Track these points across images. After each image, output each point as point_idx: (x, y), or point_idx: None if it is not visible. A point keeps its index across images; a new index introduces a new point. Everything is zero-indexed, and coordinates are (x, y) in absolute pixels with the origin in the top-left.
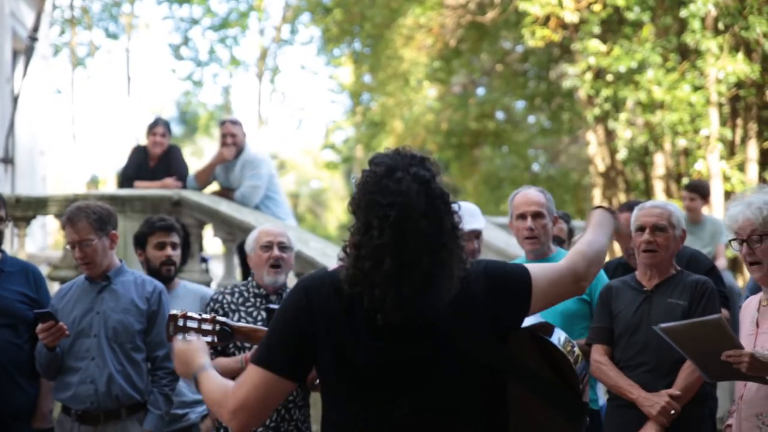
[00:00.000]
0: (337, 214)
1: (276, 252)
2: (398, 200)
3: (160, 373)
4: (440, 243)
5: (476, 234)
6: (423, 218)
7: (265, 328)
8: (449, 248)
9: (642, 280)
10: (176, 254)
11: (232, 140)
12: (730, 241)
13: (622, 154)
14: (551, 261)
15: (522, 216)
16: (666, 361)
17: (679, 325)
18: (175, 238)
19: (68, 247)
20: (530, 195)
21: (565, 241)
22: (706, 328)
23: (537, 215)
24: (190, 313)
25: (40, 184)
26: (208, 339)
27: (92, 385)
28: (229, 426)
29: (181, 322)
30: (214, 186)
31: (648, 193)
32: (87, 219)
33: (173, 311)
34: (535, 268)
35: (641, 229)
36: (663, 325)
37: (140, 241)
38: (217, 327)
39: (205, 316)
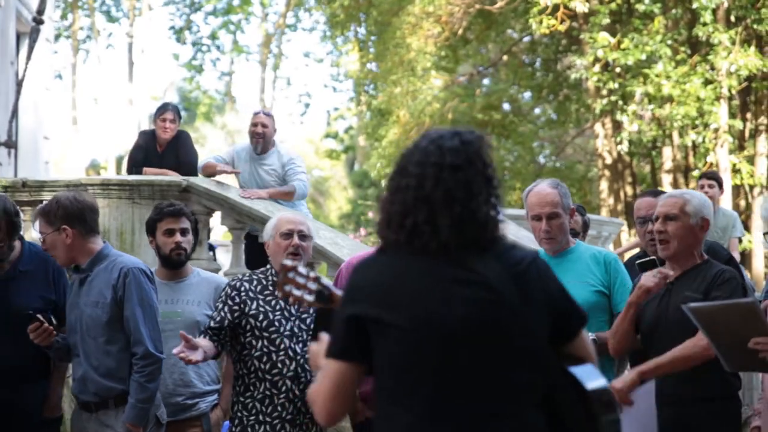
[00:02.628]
0: (340, 203)
1: (296, 240)
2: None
3: (133, 360)
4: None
5: None
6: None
7: None
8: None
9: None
10: (186, 240)
11: (263, 130)
12: (764, 234)
13: (624, 147)
14: (570, 254)
15: (537, 217)
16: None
17: (708, 306)
18: (185, 224)
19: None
20: (544, 195)
21: (580, 233)
22: (737, 311)
23: (552, 216)
24: (300, 268)
25: (43, 169)
26: (309, 297)
27: (75, 382)
28: (318, 420)
29: (291, 275)
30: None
31: (655, 186)
32: (41, 213)
33: (287, 261)
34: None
35: (656, 219)
36: (692, 305)
37: (150, 228)
38: (317, 287)
39: (312, 273)
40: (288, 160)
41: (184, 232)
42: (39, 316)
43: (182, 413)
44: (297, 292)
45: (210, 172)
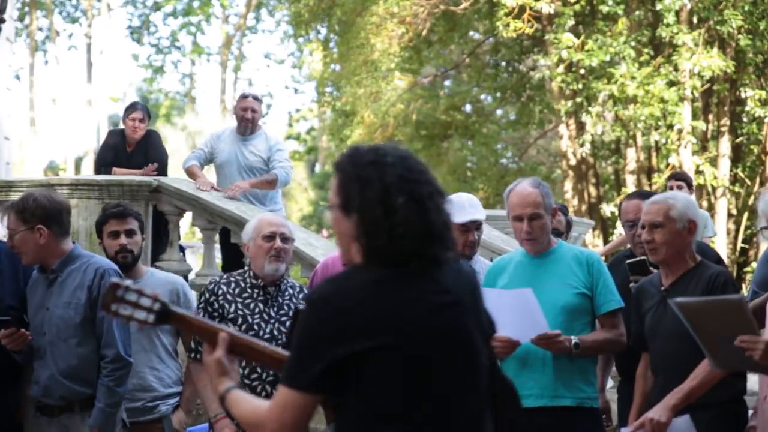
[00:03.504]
0: (301, 204)
1: (278, 243)
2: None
3: (101, 364)
4: None
5: (477, 225)
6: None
7: (221, 326)
8: None
9: (662, 278)
10: (133, 241)
11: (252, 115)
12: (761, 229)
13: (586, 148)
14: (552, 255)
15: (518, 218)
16: (681, 371)
17: (696, 302)
18: (131, 224)
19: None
20: (525, 195)
21: (563, 233)
22: (725, 308)
23: (533, 217)
24: (133, 286)
25: (5, 170)
26: (142, 316)
27: (37, 385)
28: None
29: (120, 293)
30: None
31: (619, 187)
32: (14, 209)
33: (115, 280)
34: None
35: (642, 227)
36: (679, 300)
37: (98, 230)
38: (156, 306)
39: (148, 291)
40: (275, 144)
41: (129, 233)
42: (9, 319)
43: (142, 415)
44: (126, 312)
45: (192, 177)
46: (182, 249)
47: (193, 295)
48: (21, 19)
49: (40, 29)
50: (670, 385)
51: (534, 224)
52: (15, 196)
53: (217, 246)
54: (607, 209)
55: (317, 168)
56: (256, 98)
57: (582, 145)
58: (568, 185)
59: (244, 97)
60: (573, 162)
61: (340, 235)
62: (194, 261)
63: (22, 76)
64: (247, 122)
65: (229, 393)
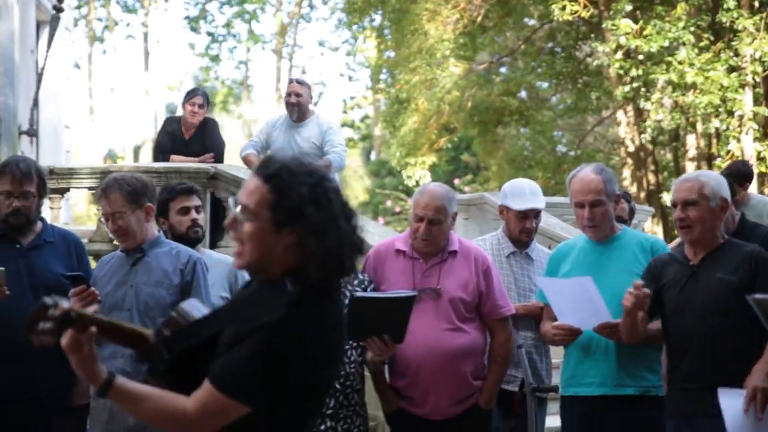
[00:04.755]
0: (356, 192)
1: None
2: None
3: None
4: None
5: (535, 213)
6: None
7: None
8: None
9: (689, 254)
10: (201, 217)
11: (296, 99)
12: None
13: (646, 136)
14: (616, 242)
15: (580, 204)
16: (713, 348)
17: None
18: (197, 201)
19: (102, 219)
20: (587, 181)
21: (627, 220)
22: None
23: (595, 203)
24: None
25: (65, 158)
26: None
27: (122, 360)
28: None
29: (51, 312)
30: None
31: (678, 174)
32: (120, 191)
33: (47, 299)
34: None
35: (674, 205)
36: (757, 296)
37: (162, 210)
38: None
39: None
40: (327, 128)
41: (198, 210)
42: (81, 275)
43: None
44: (47, 326)
45: (249, 166)
46: None
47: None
48: (79, 8)
49: (99, 19)
50: (701, 362)
51: (595, 211)
52: (76, 182)
53: None
54: (667, 197)
55: (372, 156)
56: (300, 82)
57: (643, 133)
58: (627, 172)
59: (289, 82)
60: (631, 149)
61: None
62: None
63: (81, 65)
64: (292, 107)
65: (116, 379)
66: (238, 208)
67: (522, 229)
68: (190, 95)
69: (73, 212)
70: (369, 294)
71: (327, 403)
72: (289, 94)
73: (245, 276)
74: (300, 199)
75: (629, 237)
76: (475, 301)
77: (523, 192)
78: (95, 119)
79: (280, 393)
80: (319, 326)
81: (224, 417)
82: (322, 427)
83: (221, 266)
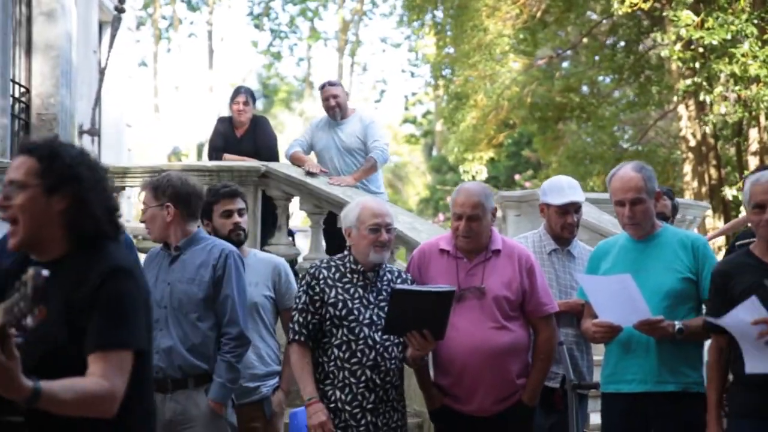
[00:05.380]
0: (418, 188)
1: (384, 235)
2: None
3: (223, 340)
4: None
5: (576, 207)
6: None
7: None
8: None
9: (761, 255)
10: (244, 220)
11: (335, 101)
12: None
13: (708, 128)
14: (657, 239)
15: (620, 203)
16: None
17: None
18: (241, 204)
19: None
20: (627, 179)
21: (669, 217)
22: None
23: (635, 201)
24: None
25: (126, 156)
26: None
27: (157, 355)
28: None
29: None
30: None
31: (741, 169)
32: (150, 186)
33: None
34: None
35: (760, 206)
36: None
37: (206, 211)
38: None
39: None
40: (369, 122)
41: (241, 213)
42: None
43: (244, 397)
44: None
45: (298, 163)
46: (291, 234)
47: (293, 277)
48: (145, 8)
49: (164, 17)
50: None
51: (636, 209)
52: (130, 181)
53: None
54: (729, 192)
55: (434, 152)
56: (332, 84)
57: (705, 125)
58: (688, 167)
59: (321, 87)
60: (693, 143)
61: None
62: (306, 245)
63: (146, 63)
64: (333, 109)
65: (43, 389)
66: (7, 187)
67: (563, 224)
68: (234, 95)
69: (135, 210)
70: (408, 286)
71: (367, 398)
72: (326, 99)
73: (289, 275)
74: (72, 161)
75: (670, 234)
76: (519, 299)
77: (562, 187)
78: (160, 117)
79: (143, 324)
80: (133, 260)
81: (127, 371)
82: (363, 421)
83: (265, 265)
